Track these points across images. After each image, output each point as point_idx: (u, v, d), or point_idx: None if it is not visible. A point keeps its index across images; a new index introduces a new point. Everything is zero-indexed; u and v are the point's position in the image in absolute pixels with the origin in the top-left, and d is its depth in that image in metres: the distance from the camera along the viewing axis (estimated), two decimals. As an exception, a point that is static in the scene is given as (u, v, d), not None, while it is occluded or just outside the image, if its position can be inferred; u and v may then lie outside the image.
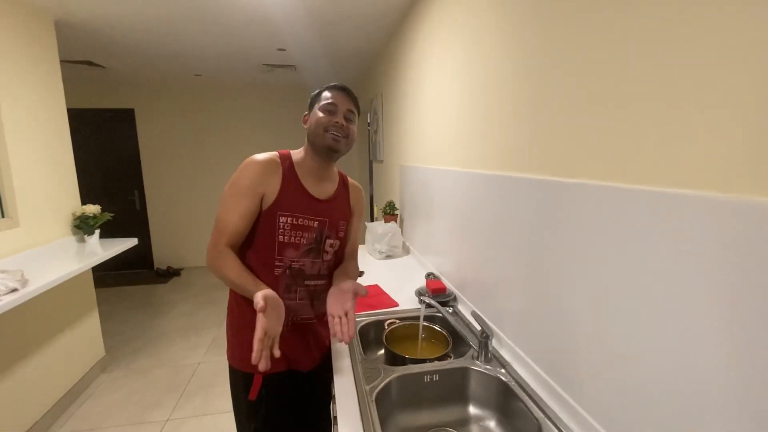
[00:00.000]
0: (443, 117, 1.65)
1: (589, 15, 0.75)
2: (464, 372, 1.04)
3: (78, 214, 2.36)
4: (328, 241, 1.08)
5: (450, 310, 1.40)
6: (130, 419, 2.08)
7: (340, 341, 0.94)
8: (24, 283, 1.58)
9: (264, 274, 1.00)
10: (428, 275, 1.70)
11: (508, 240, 1.08)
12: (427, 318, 1.24)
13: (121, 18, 2.30)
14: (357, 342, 1.17)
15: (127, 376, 2.48)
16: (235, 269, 0.95)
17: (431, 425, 1.00)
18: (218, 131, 4.71)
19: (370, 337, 1.32)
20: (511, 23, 1.05)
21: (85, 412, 2.14)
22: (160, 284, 4.27)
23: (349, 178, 1.20)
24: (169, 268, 4.65)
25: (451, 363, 1.05)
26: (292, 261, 1.03)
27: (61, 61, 2.43)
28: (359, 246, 1.28)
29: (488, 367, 1.03)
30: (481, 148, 1.28)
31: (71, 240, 2.34)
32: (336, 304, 0.98)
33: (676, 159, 0.57)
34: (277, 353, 0.85)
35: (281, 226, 1.00)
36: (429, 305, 1.16)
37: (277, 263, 1.02)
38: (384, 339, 1.16)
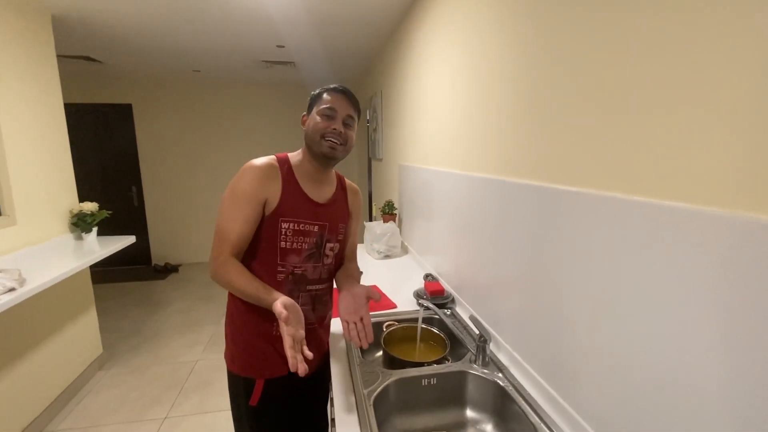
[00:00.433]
0: (443, 118, 1.64)
1: (593, 25, 0.75)
2: (462, 376, 1.05)
3: (75, 211, 2.35)
4: (329, 245, 1.08)
5: (448, 312, 1.41)
6: (129, 416, 2.08)
7: (358, 347, 0.92)
8: (22, 282, 1.58)
9: (266, 281, 0.98)
10: (426, 276, 1.71)
11: (507, 244, 1.08)
12: (425, 320, 1.25)
13: (120, 13, 2.28)
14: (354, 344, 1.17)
15: (125, 374, 2.49)
16: (244, 278, 0.94)
17: (428, 429, 1.00)
18: (217, 127, 4.69)
19: (368, 338, 1.33)
20: (511, 23, 1.04)
21: (83, 409, 2.14)
22: (158, 280, 4.27)
23: (346, 180, 1.20)
24: (167, 264, 4.64)
25: (448, 366, 1.06)
26: (295, 267, 1.02)
27: (59, 56, 2.40)
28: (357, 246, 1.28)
29: (486, 371, 1.04)
30: (481, 151, 1.28)
31: (69, 237, 2.33)
32: (349, 309, 0.96)
33: (674, 172, 0.58)
34: (309, 354, 0.83)
35: (283, 232, 0.99)
36: (427, 308, 1.17)
37: (279, 269, 1.01)
38: (382, 341, 1.17)
